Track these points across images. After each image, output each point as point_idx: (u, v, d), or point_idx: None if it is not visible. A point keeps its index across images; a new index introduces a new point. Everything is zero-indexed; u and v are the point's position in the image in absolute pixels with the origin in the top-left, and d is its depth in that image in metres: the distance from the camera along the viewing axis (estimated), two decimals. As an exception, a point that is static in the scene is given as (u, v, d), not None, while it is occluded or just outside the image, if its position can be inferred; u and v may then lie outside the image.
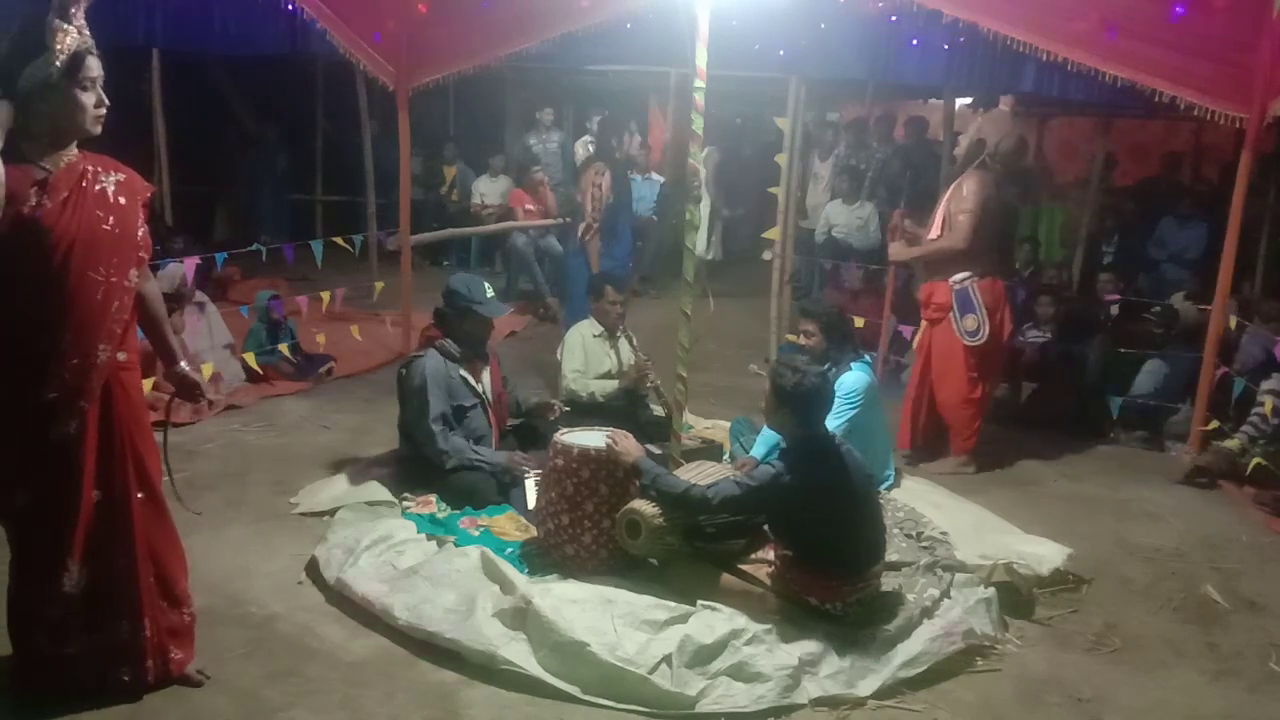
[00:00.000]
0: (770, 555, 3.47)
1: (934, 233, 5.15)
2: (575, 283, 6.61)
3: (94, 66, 2.58)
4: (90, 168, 2.64)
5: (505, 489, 4.27)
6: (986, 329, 5.01)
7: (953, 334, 5.09)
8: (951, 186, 5.22)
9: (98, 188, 2.64)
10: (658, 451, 4.35)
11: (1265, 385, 5.28)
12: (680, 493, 3.42)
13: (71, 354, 2.60)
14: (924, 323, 5.38)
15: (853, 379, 4.38)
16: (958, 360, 5.11)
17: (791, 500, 3.29)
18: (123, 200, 2.69)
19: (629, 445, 3.60)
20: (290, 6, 5.74)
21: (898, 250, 5.40)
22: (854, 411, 4.32)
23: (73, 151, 2.63)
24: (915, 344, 5.47)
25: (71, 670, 2.78)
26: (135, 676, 2.85)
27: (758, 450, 4.40)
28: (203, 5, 8.25)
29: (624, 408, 5.06)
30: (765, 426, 4.59)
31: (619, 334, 5.25)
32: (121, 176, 2.72)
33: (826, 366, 4.05)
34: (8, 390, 2.59)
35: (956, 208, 5.01)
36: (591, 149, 8.87)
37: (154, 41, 8.34)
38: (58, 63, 2.50)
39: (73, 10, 2.53)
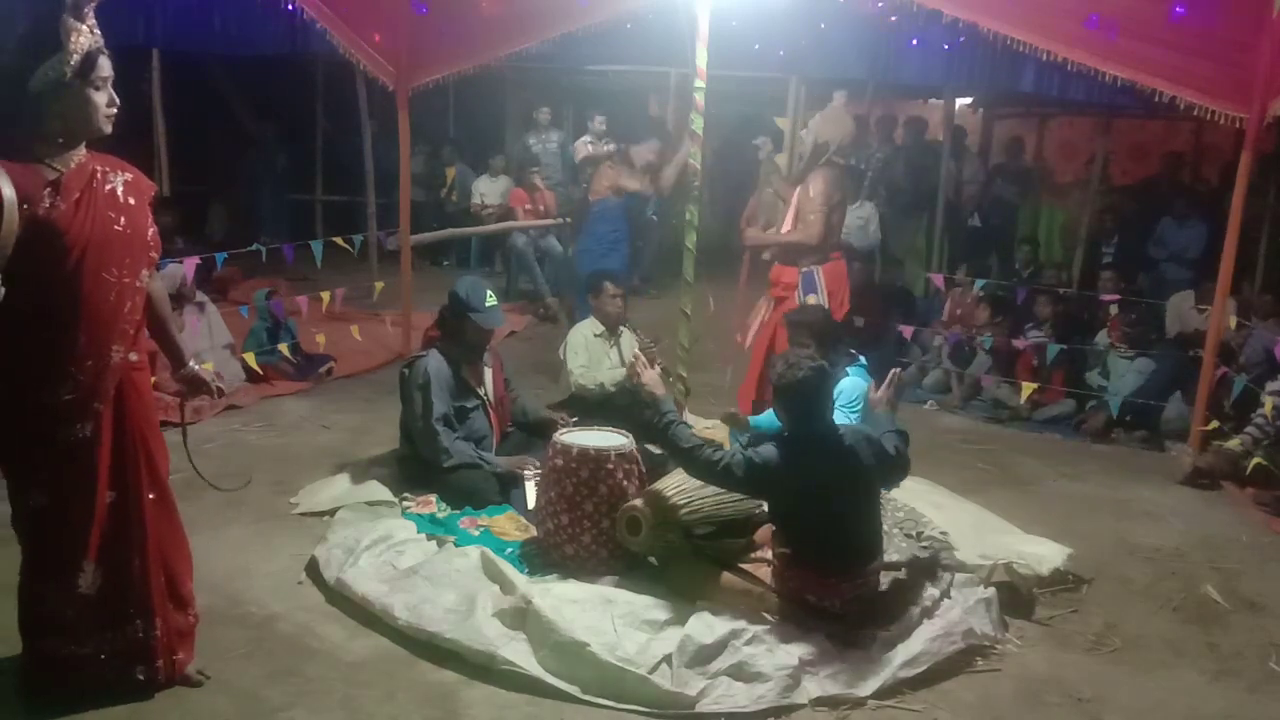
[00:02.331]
0: (769, 555, 3.47)
1: (786, 226, 5.39)
2: (579, 283, 6.62)
3: (105, 66, 2.58)
4: (99, 168, 2.64)
5: (505, 489, 4.27)
6: (827, 309, 5.29)
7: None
8: (799, 187, 5.39)
9: (108, 188, 2.64)
10: (657, 452, 4.35)
11: (1271, 387, 5.28)
12: (688, 448, 3.35)
13: (86, 355, 2.60)
14: (771, 300, 5.59)
15: (850, 385, 4.36)
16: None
17: (783, 488, 3.29)
18: (132, 200, 2.69)
19: (652, 378, 3.56)
20: (290, 6, 5.74)
21: (753, 236, 5.69)
22: (854, 416, 4.31)
23: (81, 152, 2.63)
24: (763, 319, 5.61)
25: (86, 670, 2.79)
26: (149, 675, 2.86)
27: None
28: (203, 5, 8.25)
29: (626, 407, 5.06)
30: (760, 420, 4.62)
31: (620, 331, 5.26)
32: (129, 176, 2.72)
33: None
34: (23, 392, 2.59)
35: (806, 208, 5.26)
36: (591, 149, 8.87)
37: (154, 41, 8.33)
38: (72, 62, 2.49)
39: (85, 9, 2.53)
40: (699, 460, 3.36)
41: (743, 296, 5.83)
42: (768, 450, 3.37)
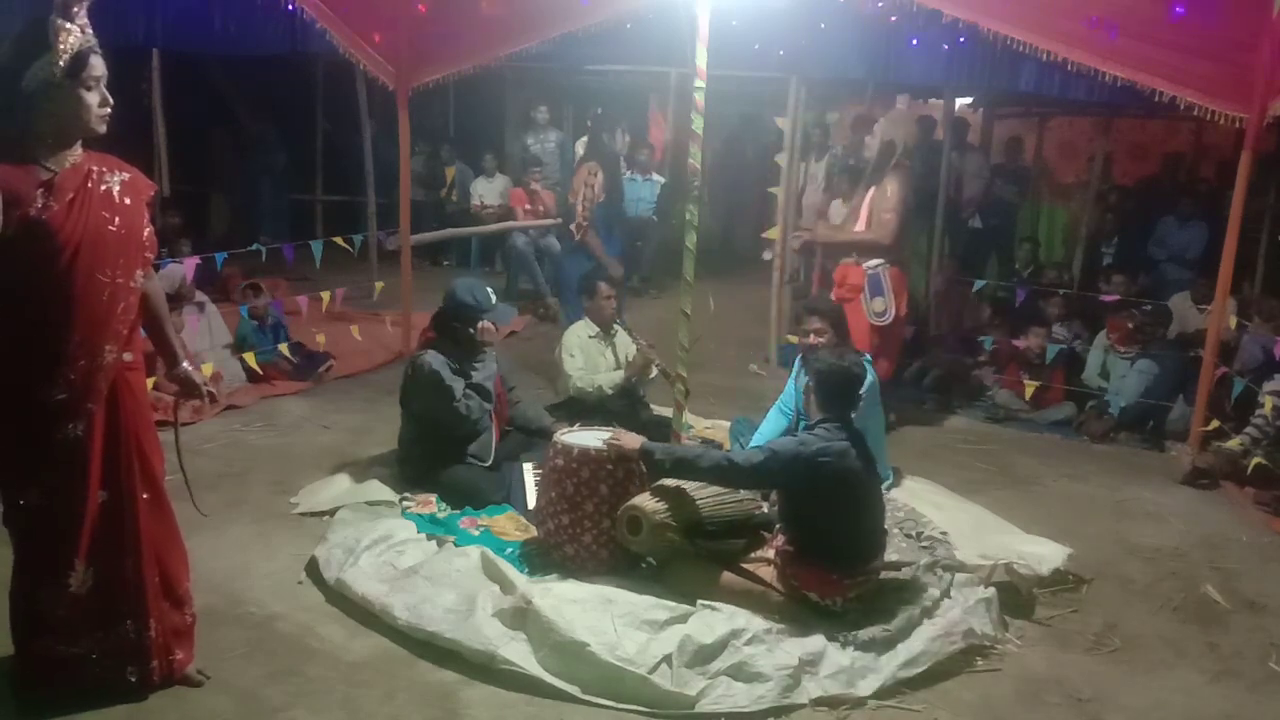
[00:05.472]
0: (770, 554, 3.48)
1: (859, 226, 5.46)
2: (568, 284, 6.61)
3: (97, 65, 2.57)
4: (95, 168, 2.63)
5: (505, 486, 4.28)
6: (893, 312, 5.41)
7: (860, 313, 5.40)
8: (874, 187, 5.45)
9: (103, 188, 2.63)
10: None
11: (1268, 386, 5.28)
12: (695, 456, 3.47)
13: (78, 355, 2.60)
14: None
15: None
16: (861, 338, 5.36)
17: (804, 474, 3.31)
18: (128, 201, 2.68)
19: (628, 437, 3.61)
20: (290, 6, 5.73)
21: (827, 232, 5.76)
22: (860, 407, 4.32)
23: (77, 151, 2.62)
24: None
25: (78, 670, 2.78)
26: (142, 676, 2.85)
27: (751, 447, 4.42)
28: (203, 5, 8.22)
29: (625, 408, 5.06)
30: (762, 425, 4.62)
31: (614, 331, 5.26)
32: (126, 176, 2.71)
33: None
34: (15, 391, 2.58)
35: (882, 206, 5.34)
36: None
37: (154, 41, 8.31)
38: (61, 62, 2.49)
39: (75, 9, 2.52)
40: (713, 462, 3.42)
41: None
42: (785, 441, 3.44)
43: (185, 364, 3.01)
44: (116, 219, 2.64)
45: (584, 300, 5.32)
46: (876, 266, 5.39)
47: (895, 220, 5.29)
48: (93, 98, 2.57)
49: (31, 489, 2.65)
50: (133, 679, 2.84)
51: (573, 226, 6.84)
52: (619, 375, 5.10)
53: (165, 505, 2.90)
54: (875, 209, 5.36)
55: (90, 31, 2.56)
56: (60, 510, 2.68)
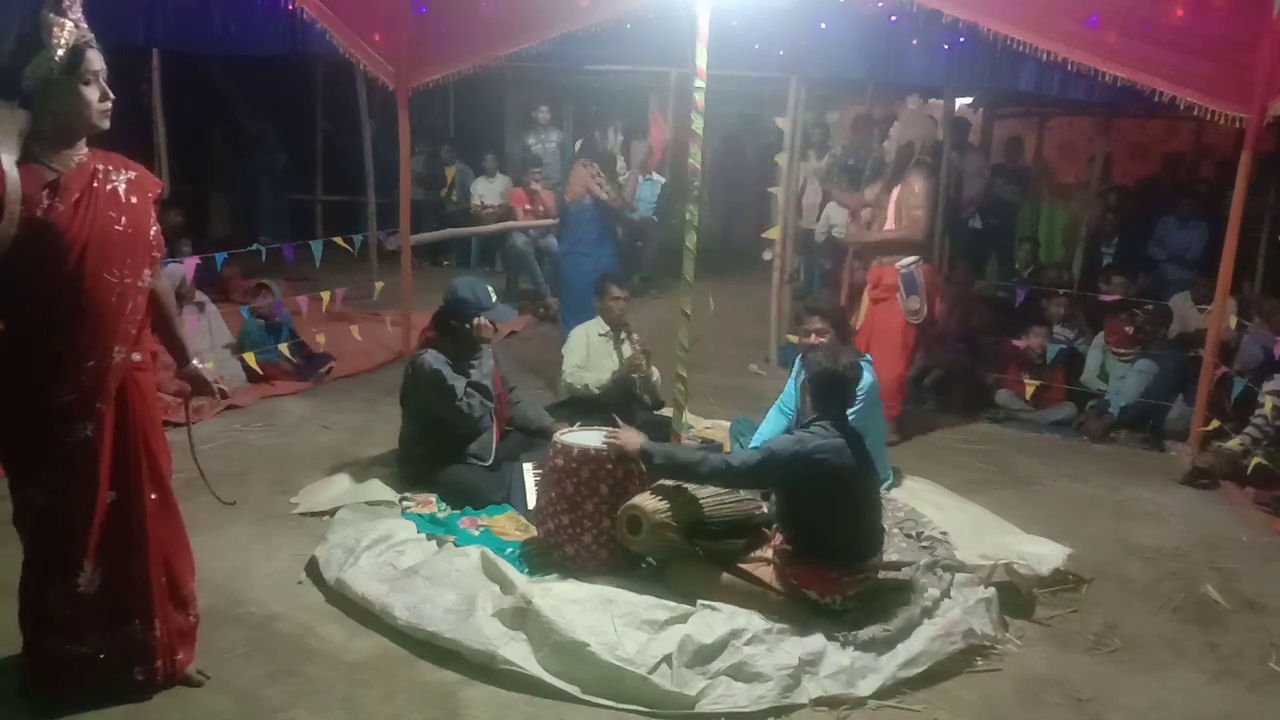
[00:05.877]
0: (770, 554, 3.48)
1: (889, 224, 5.50)
2: (568, 284, 6.61)
3: (95, 60, 2.54)
4: (100, 167, 2.62)
5: (505, 486, 4.28)
6: (926, 309, 5.46)
7: (895, 312, 5.47)
8: (900, 185, 5.50)
9: (109, 187, 2.62)
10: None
11: (1268, 386, 5.28)
12: (694, 461, 3.47)
13: (87, 356, 2.59)
14: (866, 302, 5.69)
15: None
16: (895, 336, 5.44)
17: (803, 473, 3.31)
18: (134, 199, 2.67)
19: (628, 436, 3.61)
20: (290, 6, 5.73)
21: (858, 233, 5.88)
22: (859, 408, 4.32)
23: (82, 150, 2.60)
24: (857, 324, 5.69)
25: (86, 670, 2.78)
26: (148, 676, 2.85)
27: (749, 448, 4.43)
28: (203, 5, 8.22)
29: (621, 406, 5.06)
30: (762, 425, 4.62)
31: (623, 334, 5.27)
32: (132, 174, 2.69)
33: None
34: (25, 392, 2.58)
35: (911, 204, 5.38)
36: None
37: (154, 41, 8.32)
38: (57, 58, 2.47)
39: (67, 3, 2.50)
40: (711, 465, 3.43)
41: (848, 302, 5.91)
42: (783, 440, 3.45)
43: (195, 362, 3.01)
44: (123, 218, 2.63)
45: (595, 299, 5.35)
46: (910, 265, 5.41)
47: (925, 216, 5.35)
48: (92, 93, 2.55)
49: (41, 489, 2.65)
50: (140, 678, 2.84)
51: (636, 215, 6.87)
52: (605, 377, 5.10)
53: (172, 505, 2.90)
54: (904, 206, 5.39)
55: (85, 26, 2.54)
56: (69, 510, 2.67)
